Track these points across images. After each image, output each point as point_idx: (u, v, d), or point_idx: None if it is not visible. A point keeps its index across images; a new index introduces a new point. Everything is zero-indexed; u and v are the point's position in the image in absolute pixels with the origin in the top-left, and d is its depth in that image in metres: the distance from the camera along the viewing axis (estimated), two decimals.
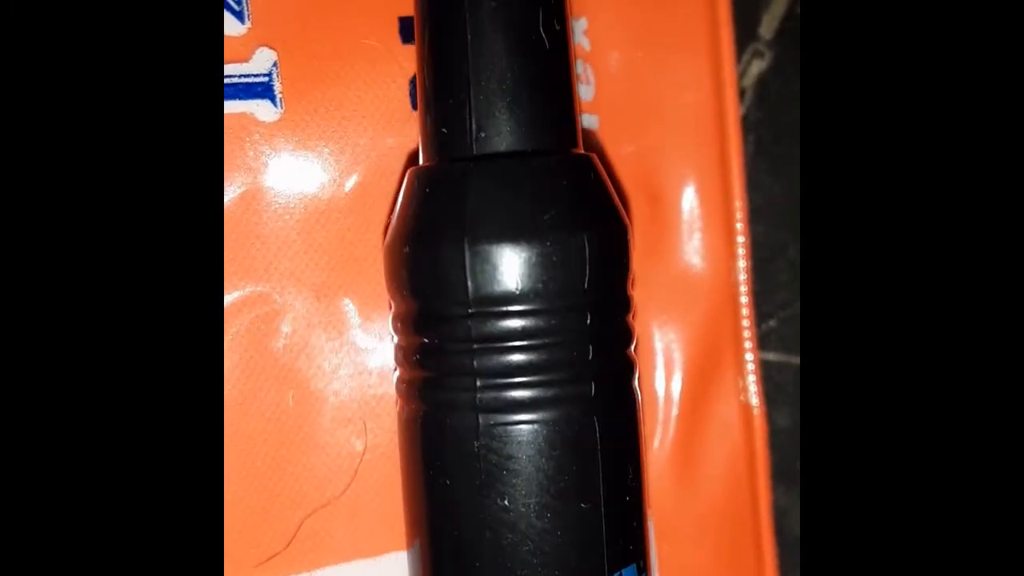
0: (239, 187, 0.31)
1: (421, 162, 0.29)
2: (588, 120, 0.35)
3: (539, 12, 0.28)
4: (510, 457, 0.27)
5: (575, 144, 0.29)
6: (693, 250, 0.37)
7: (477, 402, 0.27)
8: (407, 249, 0.28)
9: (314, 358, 0.32)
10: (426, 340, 0.28)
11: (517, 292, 0.27)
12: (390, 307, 0.29)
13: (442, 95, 0.28)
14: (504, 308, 0.27)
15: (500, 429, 0.27)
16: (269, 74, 0.31)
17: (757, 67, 0.39)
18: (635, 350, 0.30)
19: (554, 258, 0.27)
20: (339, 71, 0.32)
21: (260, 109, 0.31)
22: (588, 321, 0.28)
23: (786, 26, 0.39)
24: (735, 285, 0.37)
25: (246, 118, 0.31)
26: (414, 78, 0.32)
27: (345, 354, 0.32)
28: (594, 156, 0.29)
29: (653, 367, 0.37)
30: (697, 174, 0.37)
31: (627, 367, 0.29)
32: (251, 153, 0.31)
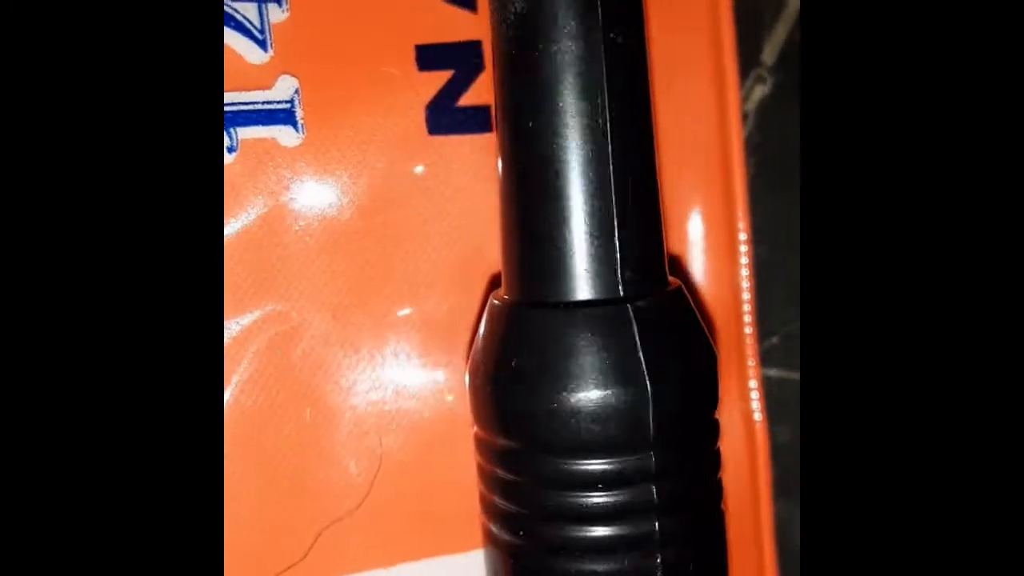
0: (261, 209, 0.32)
1: (507, 292, 0.29)
2: None
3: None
4: None
5: (665, 280, 0.29)
6: (697, 270, 0.38)
7: (574, 543, 0.28)
8: (571, 396, 0.27)
9: (331, 375, 0.33)
10: (532, 478, 0.28)
11: (622, 439, 0.27)
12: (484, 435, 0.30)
13: (533, 239, 0.28)
14: (608, 454, 0.27)
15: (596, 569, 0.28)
16: (291, 101, 0.32)
17: (759, 92, 0.39)
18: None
19: (646, 407, 0.27)
20: (359, 98, 0.32)
21: (282, 135, 0.32)
22: (687, 460, 0.29)
23: (788, 51, 0.40)
24: (738, 304, 0.38)
25: (269, 143, 0.32)
26: (430, 104, 0.33)
27: (361, 371, 0.33)
28: (681, 286, 0.30)
29: None
30: (701, 197, 0.38)
31: (718, 491, 0.30)
32: (273, 177, 0.32)
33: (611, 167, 0.27)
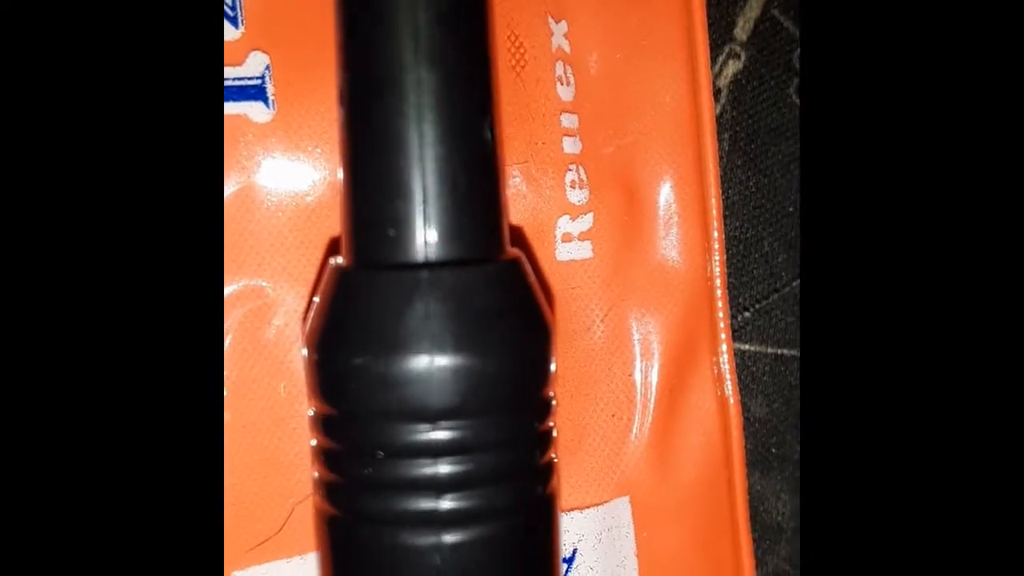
0: (233, 185, 0.32)
1: (343, 256, 0.28)
2: (568, 120, 0.36)
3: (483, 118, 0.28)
4: (432, 569, 0.27)
5: (501, 248, 0.29)
6: (670, 244, 0.38)
7: (397, 514, 0.27)
8: (354, 359, 0.27)
9: None
10: (349, 446, 0.28)
11: (449, 404, 0.26)
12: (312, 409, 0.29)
13: (367, 198, 0.28)
14: (429, 420, 0.26)
15: (423, 541, 0.27)
16: (262, 77, 0.32)
17: (732, 67, 0.40)
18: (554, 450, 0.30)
19: (476, 374, 0.26)
20: (330, 74, 0.32)
21: (253, 110, 0.32)
22: (510, 433, 0.28)
23: (761, 28, 0.40)
24: (711, 278, 0.38)
25: (240, 119, 0.32)
26: None
27: None
28: (520, 257, 0.29)
29: (632, 357, 0.38)
30: (674, 171, 0.38)
31: (548, 471, 0.29)
32: (244, 153, 0.32)
33: (416, 135, 0.27)
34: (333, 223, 0.33)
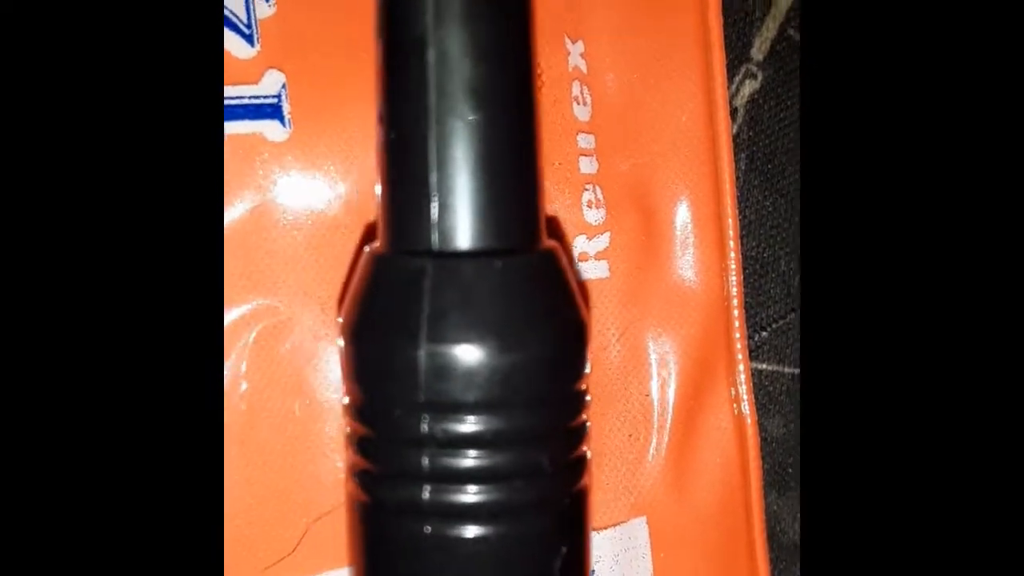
0: (249, 204, 0.32)
1: (379, 243, 0.28)
2: (585, 140, 0.36)
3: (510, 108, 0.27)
4: (459, 562, 0.27)
5: (539, 239, 0.28)
6: (687, 264, 0.38)
7: (424, 504, 0.26)
8: (383, 344, 0.27)
9: (320, 369, 0.33)
10: (375, 433, 0.28)
11: (469, 398, 0.26)
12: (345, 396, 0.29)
13: (405, 184, 0.27)
14: (456, 413, 0.26)
15: (451, 533, 0.26)
16: (278, 96, 0.32)
17: (749, 87, 0.40)
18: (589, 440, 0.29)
19: (509, 365, 0.26)
20: (345, 92, 0.33)
21: (269, 129, 0.32)
22: (541, 426, 0.27)
23: (778, 47, 0.40)
24: (728, 298, 0.38)
25: (256, 138, 0.32)
26: None
27: None
28: (557, 249, 0.28)
29: (648, 377, 0.38)
30: (690, 191, 0.38)
31: (580, 466, 0.29)
32: (260, 172, 0.32)
33: (432, 123, 0.26)
34: (349, 242, 0.33)
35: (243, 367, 0.32)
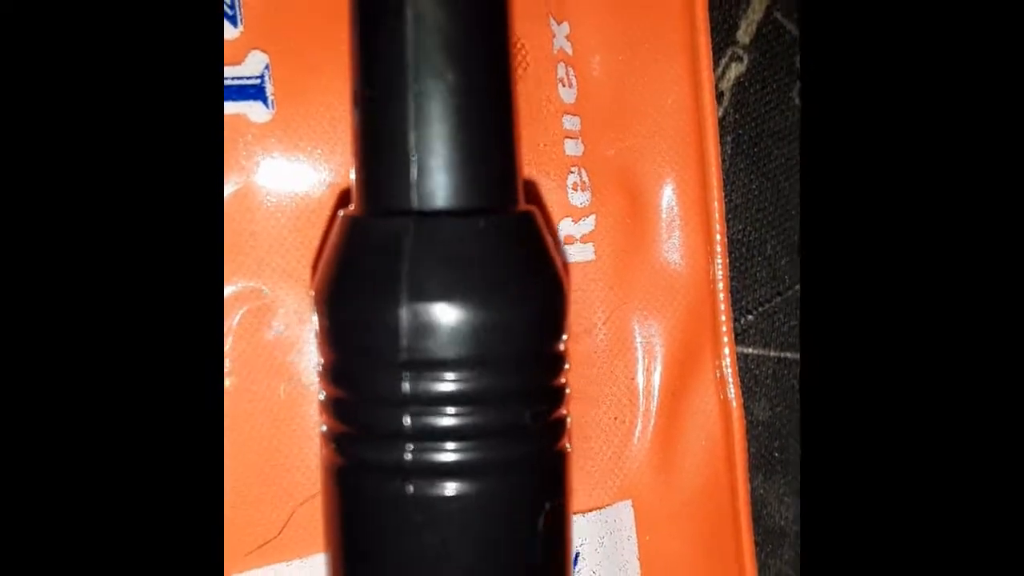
0: (232, 185, 0.32)
1: (354, 207, 0.28)
2: (570, 122, 0.36)
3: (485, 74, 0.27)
4: (442, 520, 0.27)
5: (516, 200, 0.28)
6: (673, 247, 0.38)
7: (406, 464, 0.27)
8: (344, 303, 0.27)
9: (304, 352, 0.33)
10: (355, 395, 0.28)
11: (450, 355, 0.26)
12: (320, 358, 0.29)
13: (383, 145, 0.27)
14: (437, 371, 0.26)
15: (434, 492, 0.26)
16: (261, 76, 0.32)
17: (735, 70, 0.40)
18: (567, 405, 0.29)
19: (491, 322, 0.26)
20: (329, 73, 0.32)
21: (252, 110, 0.32)
22: (522, 384, 0.27)
23: (764, 30, 0.40)
24: (713, 281, 0.38)
25: (239, 119, 0.32)
26: None
27: None
28: (535, 212, 0.28)
29: (634, 360, 0.38)
30: (676, 174, 0.38)
31: (559, 427, 0.29)
32: (244, 153, 0.32)
33: (410, 82, 0.26)
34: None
35: (227, 350, 0.32)
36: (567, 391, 0.29)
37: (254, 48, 0.32)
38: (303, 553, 0.33)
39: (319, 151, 0.33)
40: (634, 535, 0.37)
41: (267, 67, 0.32)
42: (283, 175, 0.32)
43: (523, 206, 0.28)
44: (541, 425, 0.28)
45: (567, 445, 0.29)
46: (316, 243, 0.33)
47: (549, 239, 0.28)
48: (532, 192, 0.36)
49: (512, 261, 0.27)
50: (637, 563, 0.37)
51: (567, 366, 0.29)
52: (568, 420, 0.29)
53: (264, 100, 0.32)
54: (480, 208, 0.27)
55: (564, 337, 0.29)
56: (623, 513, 0.37)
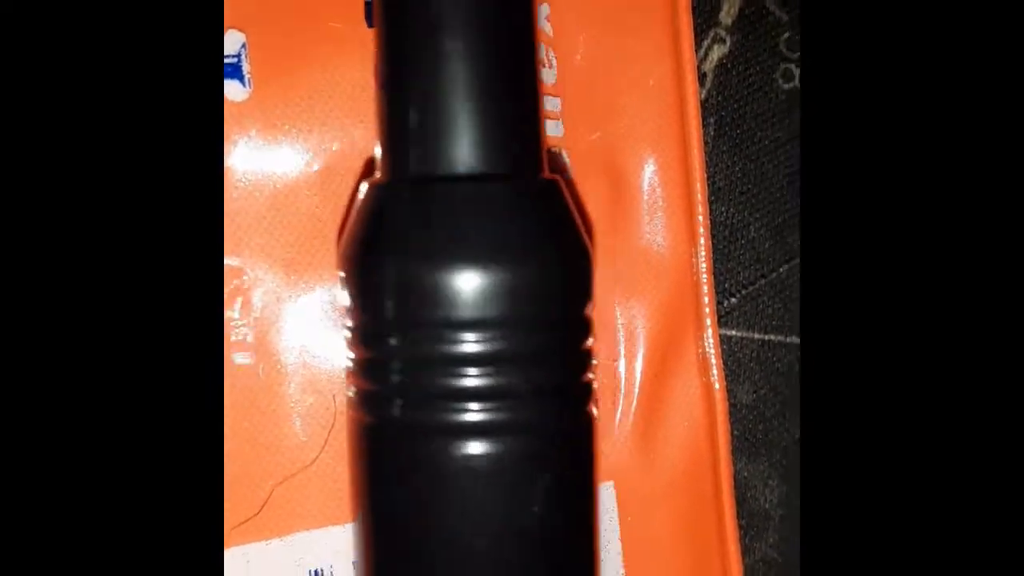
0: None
1: (380, 174, 0.29)
2: (551, 103, 0.36)
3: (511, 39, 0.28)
4: (467, 479, 0.27)
5: (540, 168, 0.29)
6: (655, 230, 0.38)
7: (446, 423, 0.27)
8: (373, 266, 0.28)
9: (283, 331, 0.33)
10: (388, 356, 0.28)
11: (477, 317, 0.27)
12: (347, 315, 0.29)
13: (409, 113, 0.28)
14: (465, 332, 0.27)
15: (464, 451, 0.27)
16: (238, 55, 0.32)
17: (718, 52, 0.40)
18: (595, 370, 0.30)
19: (517, 285, 0.27)
20: (306, 53, 0.32)
21: (229, 89, 0.32)
22: (550, 347, 0.28)
23: (746, 12, 0.40)
24: (696, 264, 0.38)
25: None
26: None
27: (314, 329, 0.33)
28: (559, 180, 0.29)
29: (616, 343, 0.38)
30: (658, 156, 0.38)
31: (586, 391, 0.29)
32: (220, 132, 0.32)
33: (436, 53, 0.27)
34: (311, 204, 0.33)
35: None
36: (592, 359, 0.30)
37: (230, 27, 0.32)
38: (282, 532, 0.33)
39: (296, 130, 0.33)
40: (616, 516, 0.37)
41: (244, 46, 0.32)
42: (261, 154, 0.32)
43: (547, 174, 0.29)
44: (573, 387, 0.29)
45: (592, 413, 0.30)
46: (294, 223, 0.33)
47: (573, 206, 0.29)
48: (557, 162, 0.36)
49: (540, 225, 0.28)
50: (619, 544, 0.37)
51: (591, 335, 0.30)
52: (595, 384, 0.30)
53: (241, 79, 0.32)
54: (506, 174, 0.28)
55: (591, 299, 0.29)
56: (605, 495, 0.37)
